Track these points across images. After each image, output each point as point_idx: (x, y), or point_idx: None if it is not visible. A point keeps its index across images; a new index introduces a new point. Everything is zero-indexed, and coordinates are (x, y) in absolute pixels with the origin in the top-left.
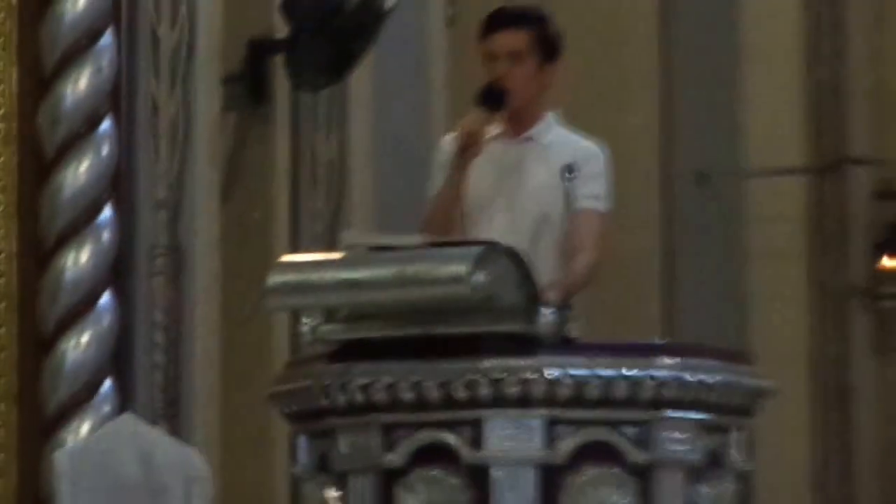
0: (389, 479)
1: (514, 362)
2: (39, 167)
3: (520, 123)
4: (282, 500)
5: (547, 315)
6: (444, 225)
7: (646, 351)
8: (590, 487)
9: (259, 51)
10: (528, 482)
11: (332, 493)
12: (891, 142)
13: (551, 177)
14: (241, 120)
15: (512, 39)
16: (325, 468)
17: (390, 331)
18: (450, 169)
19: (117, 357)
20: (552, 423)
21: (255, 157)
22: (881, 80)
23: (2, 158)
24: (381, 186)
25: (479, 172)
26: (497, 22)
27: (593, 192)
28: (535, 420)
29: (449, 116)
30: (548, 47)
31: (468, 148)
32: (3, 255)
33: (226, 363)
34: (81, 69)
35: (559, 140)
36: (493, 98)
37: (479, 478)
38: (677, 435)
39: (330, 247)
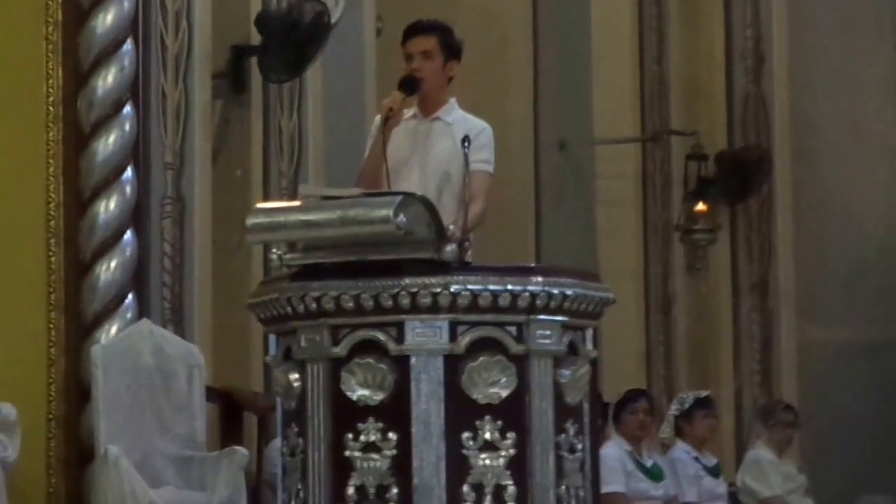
0: (336, 365)
1: (426, 280)
2: (79, 139)
3: (430, 107)
4: (257, 382)
5: (450, 245)
6: (373, 179)
7: (522, 272)
8: (482, 370)
9: (240, 54)
10: (437, 367)
11: None
12: (700, 119)
13: (453, 146)
14: (226, 105)
15: (424, 42)
16: (289, 358)
17: (336, 257)
18: (377, 133)
19: (137, 278)
20: (454, 324)
21: (236, 132)
22: (693, 74)
23: (52, 133)
24: (328, 153)
25: (399, 142)
26: (413, 29)
27: (483, 157)
28: (442, 322)
29: (377, 101)
30: (451, 49)
31: (388, 119)
32: (52, 203)
33: (216, 282)
34: (109, 67)
35: (459, 119)
36: (409, 84)
37: (401, 364)
38: (545, 332)
39: (292, 197)
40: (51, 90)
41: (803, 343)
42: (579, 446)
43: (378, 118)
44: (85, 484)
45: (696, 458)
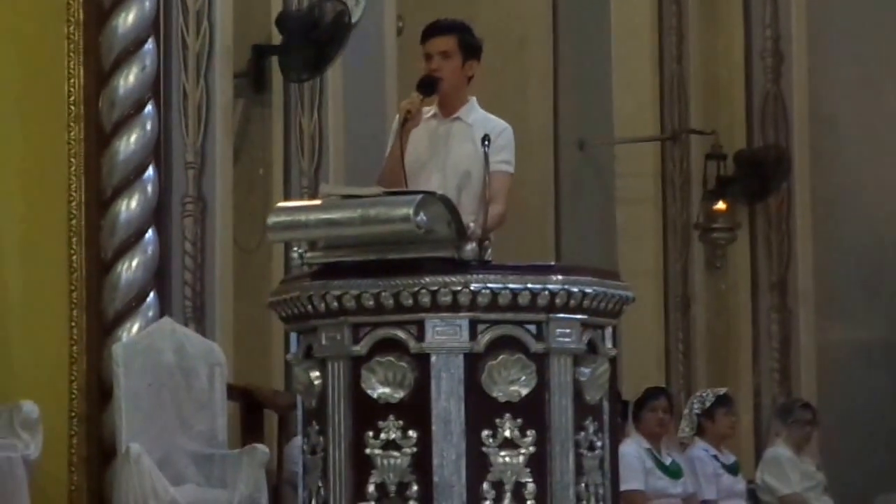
0: (357, 363)
1: (447, 278)
2: (100, 138)
3: (450, 107)
4: (278, 380)
5: (470, 244)
6: (392, 180)
7: (542, 270)
8: (502, 369)
9: (260, 53)
10: (458, 365)
11: None
12: (719, 118)
13: (473, 146)
14: (247, 104)
15: (443, 42)
16: (310, 356)
17: (357, 256)
18: (396, 136)
19: (158, 276)
20: (474, 323)
21: (257, 131)
22: (713, 73)
23: (73, 132)
24: (348, 152)
25: (419, 142)
26: (432, 30)
27: (503, 158)
28: (462, 320)
29: (397, 101)
30: (470, 49)
31: (407, 121)
32: (74, 202)
33: (238, 281)
34: (131, 67)
35: (479, 119)
36: (427, 85)
37: (421, 362)
38: (565, 331)
39: (313, 196)
40: (72, 89)
41: (822, 342)
42: (599, 444)
43: (398, 118)
44: (107, 481)
45: (715, 456)
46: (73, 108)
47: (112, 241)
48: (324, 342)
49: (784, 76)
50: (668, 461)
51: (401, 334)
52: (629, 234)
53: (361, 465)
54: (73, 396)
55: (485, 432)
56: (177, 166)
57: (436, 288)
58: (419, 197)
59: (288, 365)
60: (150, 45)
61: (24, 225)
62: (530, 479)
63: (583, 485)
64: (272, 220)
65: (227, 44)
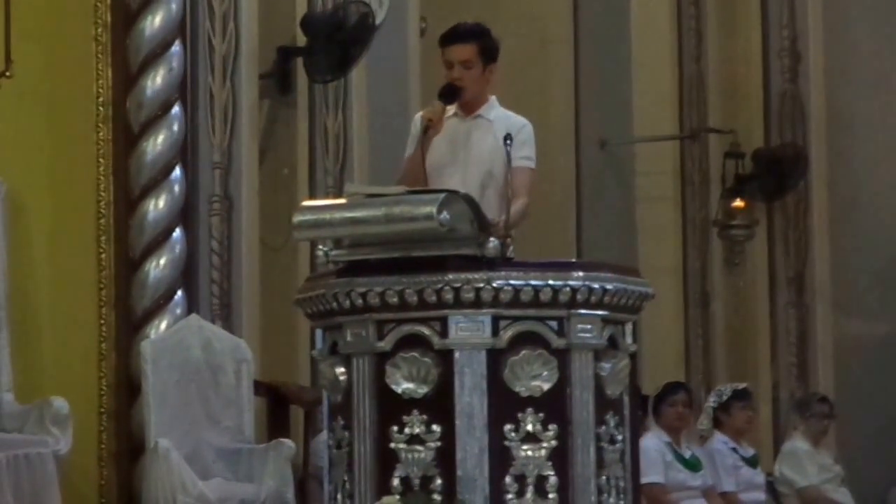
0: (381, 359)
1: (469, 275)
2: (128, 139)
3: (471, 106)
4: (304, 376)
5: (493, 241)
6: (414, 179)
7: (563, 267)
8: (524, 364)
9: (285, 55)
10: (480, 361)
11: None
12: (738, 117)
13: (494, 142)
14: (272, 105)
15: (463, 52)
16: (335, 352)
17: (381, 254)
18: (417, 142)
19: (186, 274)
20: (497, 319)
21: (282, 131)
22: (731, 73)
23: (101, 133)
24: (372, 151)
25: (440, 142)
26: (452, 37)
27: (525, 154)
28: (484, 316)
29: (420, 101)
30: (489, 53)
31: (428, 129)
32: (103, 202)
33: (264, 278)
34: (158, 68)
35: (500, 117)
36: (449, 93)
37: (445, 358)
38: (586, 326)
39: (337, 195)
40: (100, 91)
41: (839, 337)
42: (619, 438)
43: (418, 118)
44: (136, 476)
45: (734, 449)
46: (101, 109)
47: (140, 240)
48: (349, 338)
49: (801, 75)
50: (687, 454)
51: (424, 330)
52: (649, 232)
53: (386, 460)
54: (103, 393)
55: (507, 426)
56: (203, 166)
57: (459, 285)
58: (442, 195)
59: (313, 361)
60: (176, 47)
61: (54, 224)
62: (552, 473)
63: (604, 478)
64: (298, 218)
65: (252, 45)
